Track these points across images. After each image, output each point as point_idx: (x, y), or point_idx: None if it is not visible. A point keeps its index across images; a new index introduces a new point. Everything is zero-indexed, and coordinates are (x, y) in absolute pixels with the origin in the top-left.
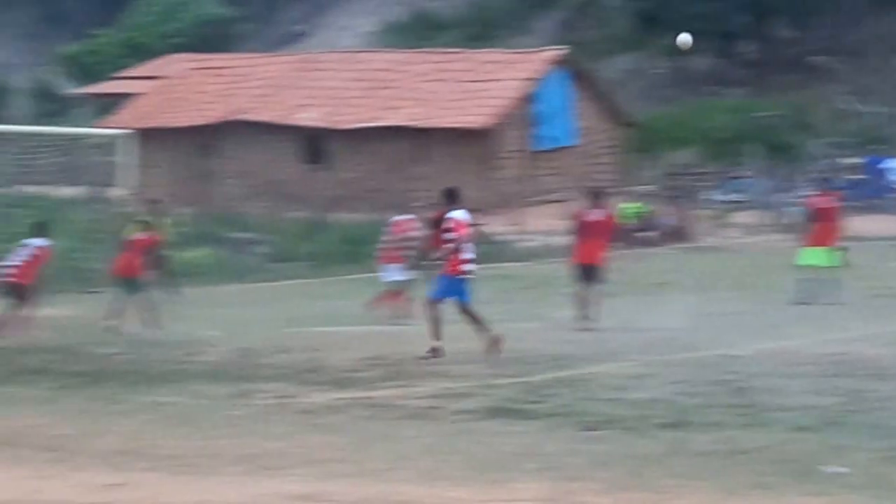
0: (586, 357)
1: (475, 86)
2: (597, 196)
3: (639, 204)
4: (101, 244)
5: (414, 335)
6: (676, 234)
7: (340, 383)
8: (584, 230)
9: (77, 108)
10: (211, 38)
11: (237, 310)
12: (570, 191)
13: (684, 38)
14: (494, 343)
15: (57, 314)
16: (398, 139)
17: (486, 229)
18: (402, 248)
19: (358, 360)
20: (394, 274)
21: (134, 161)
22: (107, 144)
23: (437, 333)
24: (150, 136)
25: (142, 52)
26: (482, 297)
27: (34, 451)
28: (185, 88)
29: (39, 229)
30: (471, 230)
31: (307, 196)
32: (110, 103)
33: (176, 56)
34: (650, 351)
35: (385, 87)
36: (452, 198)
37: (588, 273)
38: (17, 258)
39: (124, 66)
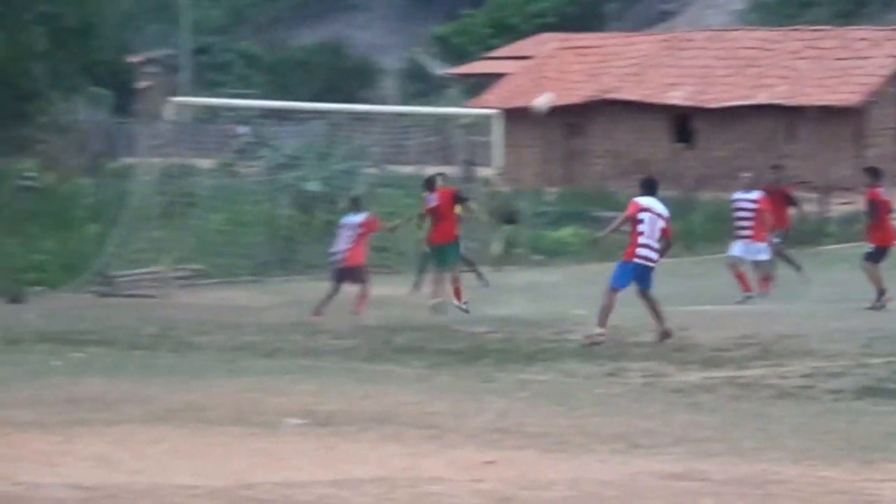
0: None
1: (845, 63)
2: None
3: None
4: (471, 223)
5: (782, 314)
6: None
7: (710, 362)
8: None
9: (446, 88)
10: (579, 18)
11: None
12: None
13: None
14: (664, 335)
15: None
16: (765, 118)
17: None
18: (761, 226)
19: (727, 339)
20: (758, 252)
21: (501, 141)
22: (477, 124)
23: (603, 321)
24: (517, 116)
25: (510, 32)
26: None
27: (408, 428)
28: (552, 68)
29: (355, 205)
30: (655, 217)
31: (675, 175)
32: (479, 83)
33: (544, 36)
34: None
35: (753, 66)
36: (646, 186)
37: None
38: (344, 241)
39: (493, 47)
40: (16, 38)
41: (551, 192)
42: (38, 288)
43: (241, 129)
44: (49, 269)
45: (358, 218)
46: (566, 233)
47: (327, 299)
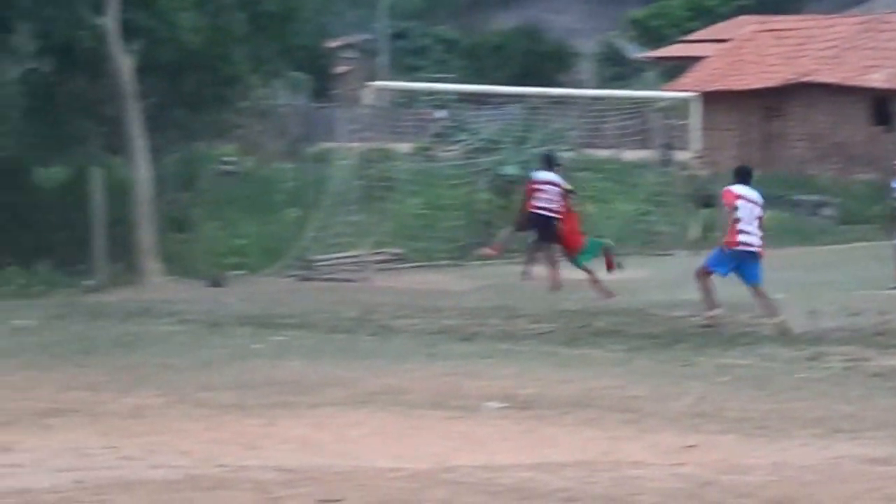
0: None
1: None
2: None
3: None
4: (668, 207)
5: None
6: None
7: None
8: None
9: (643, 71)
10: (776, 0)
11: (804, 272)
12: None
13: None
14: (781, 327)
15: (627, 276)
16: None
17: None
18: None
19: None
20: None
21: (699, 124)
22: (674, 108)
23: (710, 303)
24: (714, 99)
25: (707, 14)
26: None
27: (607, 412)
28: (750, 51)
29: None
30: (750, 204)
31: (874, 158)
32: (676, 67)
33: (741, 18)
34: None
35: None
36: (740, 175)
37: None
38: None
39: (690, 30)
40: (217, 23)
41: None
42: (238, 272)
43: (439, 114)
44: (249, 253)
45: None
46: (764, 216)
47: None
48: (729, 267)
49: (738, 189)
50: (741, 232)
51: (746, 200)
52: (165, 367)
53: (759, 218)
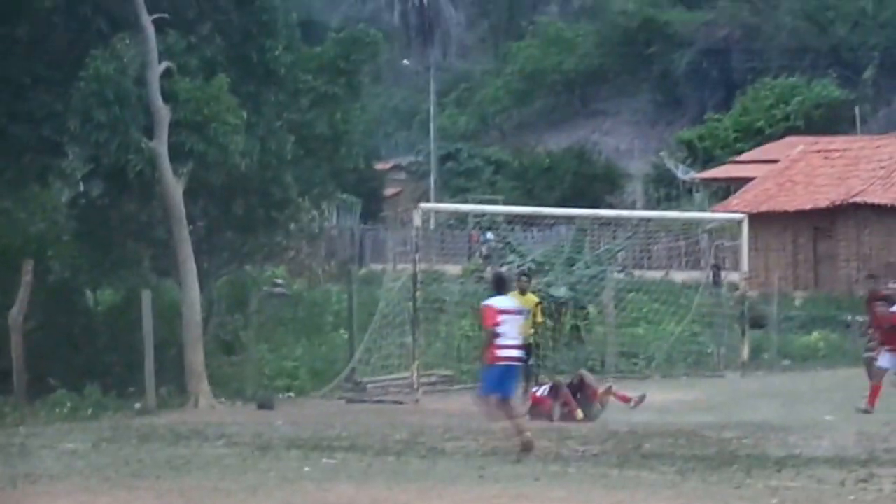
0: None
1: None
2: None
3: None
4: (718, 328)
5: None
6: None
7: None
8: None
9: (693, 192)
10: (826, 120)
11: (854, 394)
12: None
13: None
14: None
15: (677, 398)
16: None
17: None
18: None
19: None
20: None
21: (748, 245)
22: (724, 228)
23: (517, 428)
24: (763, 220)
25: (756, 135)
26: None
27: None
28: (799, 171)
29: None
30: (513, 316)
31: None
32: (725, 187)
33: (790, 139)
34: None
35: None
36: (495, 285)
37: None
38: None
39: (739, 150)
40: (267, 146)
41: (799, 295)
42: (288, 394)
43: (488, 235)
44: (299, 375)
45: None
46: (815, 337)
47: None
48: (496, 384)
49: (498, 303)
50: (504, 347)
51: (508, 314)
52: (216, 490)
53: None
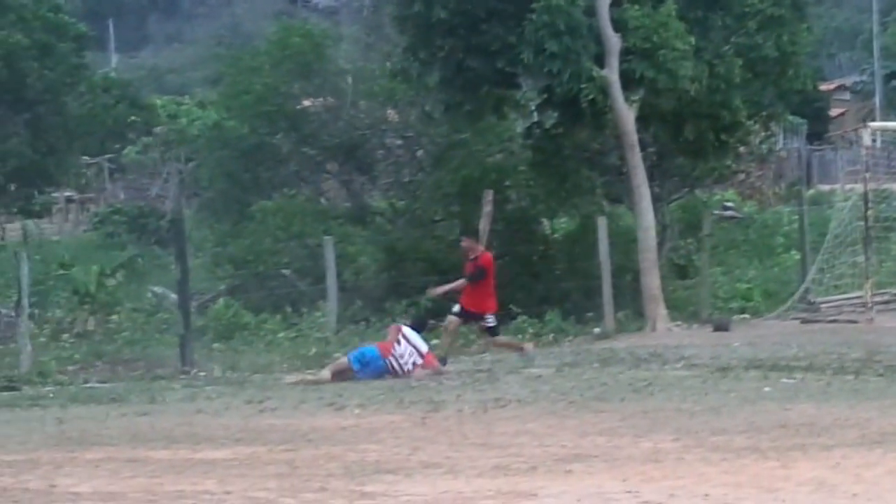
0: None
1: None
2: None
3: None
4: None
5: None
6: None
7: None
8: None
9: None
10: None
11: None
12: None
13: None
14: None
15: None
16: None
17: None
18: None
19: None
20: None
21: None
22: None
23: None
24: None
25: None
26: None
27: None
28: None
29: None
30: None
31: None
32: None
33: None
34: None
35: None
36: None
37: None
38: None
39: None
40: (715, 70)
41: None
42: (743, 316)
43: None
44: (753, 297)
45: None
46: None
47: None
48: None
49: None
50: None
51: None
52: (679, 411)
53: None
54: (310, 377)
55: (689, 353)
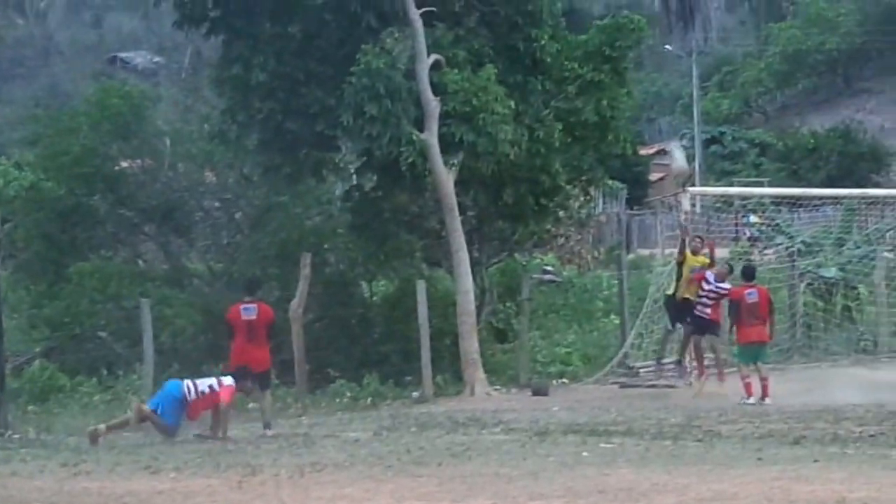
0: None
1: None
2: None
3: None
4: None
5: None
6: None
7: None
8: None
9: None
10: None
11: None
12: None
13: None
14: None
15: None
16: None
17: None
18: None
19: None
20: None
21: None
22: None
23: None
24: None
25: None
26: None
27: None
28: None
29: None
30: None
31: None
32: None
33: None
34: None
35: None
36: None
37: None
38: None
39: None
40: (535, 135)
41: None
42: (562, 380)
43: (753, 218)
44: (572, 361)
45: None
46: None
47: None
48: None
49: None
50: None
51: None
52: (497, 476)
53: None
54: (114, 422)
55: (508, 417)
